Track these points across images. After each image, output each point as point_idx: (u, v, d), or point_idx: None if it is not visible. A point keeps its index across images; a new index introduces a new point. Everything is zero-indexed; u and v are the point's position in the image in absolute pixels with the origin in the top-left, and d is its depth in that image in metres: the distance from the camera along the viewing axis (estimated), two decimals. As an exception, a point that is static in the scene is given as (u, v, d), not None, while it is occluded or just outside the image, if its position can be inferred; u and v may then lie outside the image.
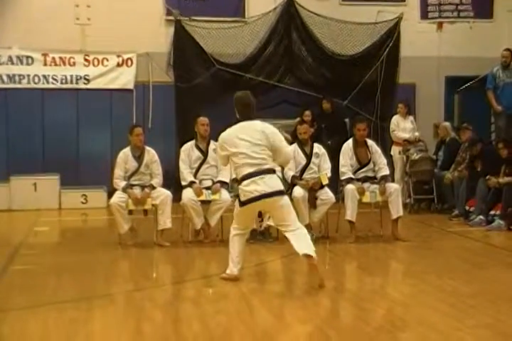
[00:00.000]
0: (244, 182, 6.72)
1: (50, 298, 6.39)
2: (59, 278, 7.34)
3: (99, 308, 6.04)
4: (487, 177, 10.60)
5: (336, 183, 9.85)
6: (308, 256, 6.62)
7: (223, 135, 6.99)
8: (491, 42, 14.57)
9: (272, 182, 6.74)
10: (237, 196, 6.91)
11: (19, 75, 13.77)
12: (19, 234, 10.28)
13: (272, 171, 6.81)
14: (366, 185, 9.46)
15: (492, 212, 10.49)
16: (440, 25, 15.25)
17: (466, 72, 14.59)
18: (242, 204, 6.78)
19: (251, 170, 6.71)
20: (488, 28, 15.15)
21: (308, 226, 8.70)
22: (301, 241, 6.69)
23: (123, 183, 9.24)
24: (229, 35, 14.18)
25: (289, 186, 9.14)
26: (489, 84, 12.73)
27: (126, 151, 9.43)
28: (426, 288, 6.74)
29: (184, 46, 14.11)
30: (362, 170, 9.54)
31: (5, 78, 13.73)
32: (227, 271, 7.06)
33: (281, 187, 6.83)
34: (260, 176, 6.69)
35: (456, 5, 15.25)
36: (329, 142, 12.40)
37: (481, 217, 10.50)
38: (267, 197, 6.68)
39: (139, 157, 9.39)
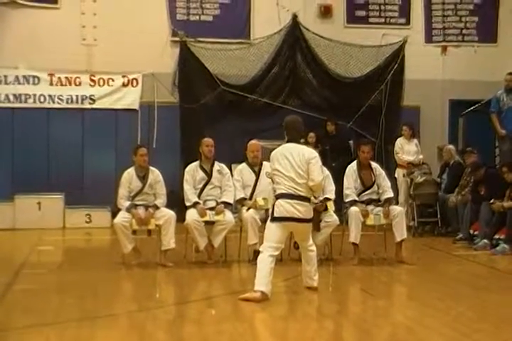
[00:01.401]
0: (281, 201, 7.10)
1: (53, 318, 6.37)
2: (62, 298, 7.32)
3: (102, 328, 6.02)
4: (491, 201, 10.58)
5: (339, 205, 9.84)
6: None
7: (273, 151, 7.38)
8: (495, 66, 14.60)
9: (307, 211, 7.18)
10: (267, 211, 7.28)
11: (25, 95, 13.87)
12: (23, 253, 10.27)
13: (308, 200, 7.21)
14: (370, 207, 9.46)
15: (496, 236, 10.47)
16: (445, 48, 15.33)
17: (470, 95, 14.63)
18: (274, 219, 7.14)
19: (289, 191, 7.09)
20: (493, 52, 15.21)
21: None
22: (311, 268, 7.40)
23: (127, 203, 9.24)
24: (234, 56, 14.28)
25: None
26: (493, 108, 12.72)
27: (131, 171, 9.44)
28: (429, 312, 6.70)
29: (189, 67, 14.20)
30: (366, 193, 9.54)
31: (11, 97, 13.83)
32: (259, 288, 6.93)
33: (311, 215, 7.30)
34: (297, 201, 7.09)
35: (461, 29, 15.35)
36: (333, 164, 12.40)
37: (486, 240, 10.46)
38: (301, 222, 7.17)
39: (143, 177, 9.39)
